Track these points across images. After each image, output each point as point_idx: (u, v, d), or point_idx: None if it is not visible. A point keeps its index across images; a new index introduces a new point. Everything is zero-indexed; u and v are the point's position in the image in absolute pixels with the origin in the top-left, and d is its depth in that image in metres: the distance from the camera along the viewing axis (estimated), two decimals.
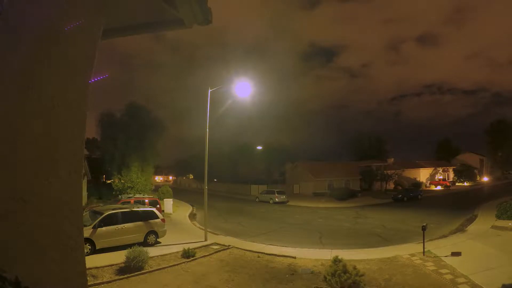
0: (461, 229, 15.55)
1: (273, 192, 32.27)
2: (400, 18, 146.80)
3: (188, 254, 10.88)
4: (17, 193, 1.51)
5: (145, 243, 11.76)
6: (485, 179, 54.15)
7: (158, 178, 73.02)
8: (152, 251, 10.65)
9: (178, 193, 34.56)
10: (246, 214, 23.38)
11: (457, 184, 49.37)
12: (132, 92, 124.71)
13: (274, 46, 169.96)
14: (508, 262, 9.63)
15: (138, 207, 13.35)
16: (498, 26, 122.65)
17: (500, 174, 57.21)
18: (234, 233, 15.83)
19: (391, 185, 42.63)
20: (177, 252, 11.33)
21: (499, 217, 16.61)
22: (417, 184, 42.96)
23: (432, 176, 50.14)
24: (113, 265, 9.59)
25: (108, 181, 33.42)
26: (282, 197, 31.50)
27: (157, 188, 30.17)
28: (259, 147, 45.62)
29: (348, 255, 10.59)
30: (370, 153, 51.81)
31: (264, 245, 13.20)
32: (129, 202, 16.59)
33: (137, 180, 25.04)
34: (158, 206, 17.50)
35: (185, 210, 24.58)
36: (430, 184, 47.50)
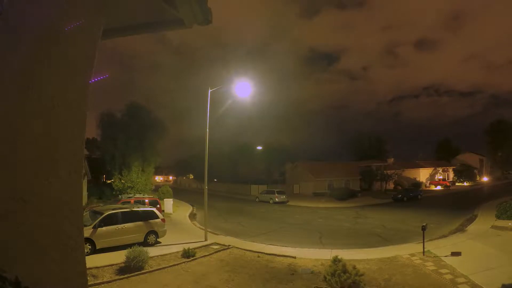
0: (461, 229, 15.55)
1: (273, 192, 32.26)
2: (398, 24, 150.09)
3: (188, 254, 10.88)
4: (17, 193, 1.51)
5: (145, 243, 11.76)
6: (485, 179, 54.13)
7: (158, 178, 73.01)
8: (152, 251, 10.66)
9: (178, 193, 34.57)
10: (246, 214, 23.38)
11: (457, 184, 49.36)
12: (133, 92, 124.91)
13: (274, 47, 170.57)
14: (508, 262, 9.63)
15: (138, 207, 13.34)
16: (494, 29, 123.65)
17: (500, 174, 57.18)
18: (234, 233, 15.83)
19: (391, 185, 42.61)
20: (177, 252, 11.34)
21: (499, 217, 16.61)
22: (417, 184, 42.95)
23: (432, 176, 50.12)
24: (113, 265, 9.59)
25: (108, 181, 33.40)
26: (282, 197, 31.50)
27: (157, 188, 30.17)
28: (259, 147, 45.63)
29: (348, 255, 10.59)
30: (370, 153, 51.81)
31: (264, 245, 13.20)
32: (129, 202, 16.59)
33: (137, 180, 25.05)
34: (158, 206, 17.50)
35: (185, 210, 24.59)
36: (430, 184, 47.48)
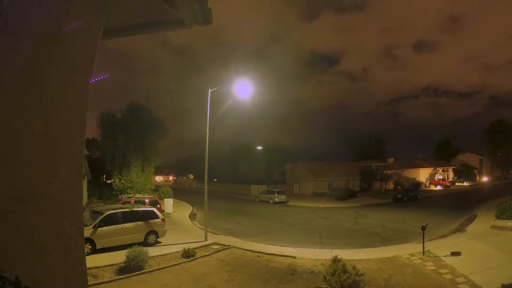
0: (460, 229, 15.55)
1: (273, 192, 32.26)
2: (397, 26, 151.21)
3: (188, 254, 10.88)
4: (17, 193, 1.51)
5: (145, 243, 11.76)
6: (485, 179, 54.14)
7: (158, 178, 73.01)
8: (152, 251, 10.66)
9: (178, 193, 34.57)
10: (246, 214, 23.37)
11: (456, 184, 49.37)
12: (133, 92, 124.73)
13: (275, 48, 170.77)
14: (507, 262, 9.64)
15: (138, 207, 13.34)
16: (493, 30, 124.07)
17: (500, 174, 57.23)
18: (234, 233, 15.83)
19: (391, 185, 42.60)
20: (177, 252, 11.34)
21: (498, 217, 16.63)
22: (417, 184, 42.94)
23: (431, 176, 50.15)
24: (113, 264, 9.59)
25: (109, 181, 33.43)
26: (282, 197, 31.50)
27: (157, 188, 30.17)
28: (259, 147, 45.65)
29: (348, 255, 10.60)
30: (370, 153, 51.79)
31: (264, 245, 13.21)
32: (129, 202, 16.59)
33: (137, 180, 25.06)
34: (158, 206, 17.51)
35: (185, 210, 24.59)
36: (429, 184, 47.49)
